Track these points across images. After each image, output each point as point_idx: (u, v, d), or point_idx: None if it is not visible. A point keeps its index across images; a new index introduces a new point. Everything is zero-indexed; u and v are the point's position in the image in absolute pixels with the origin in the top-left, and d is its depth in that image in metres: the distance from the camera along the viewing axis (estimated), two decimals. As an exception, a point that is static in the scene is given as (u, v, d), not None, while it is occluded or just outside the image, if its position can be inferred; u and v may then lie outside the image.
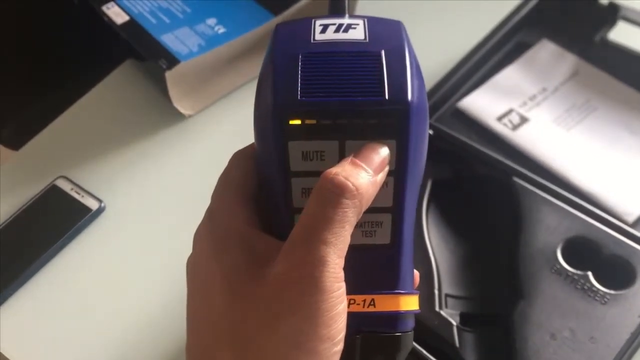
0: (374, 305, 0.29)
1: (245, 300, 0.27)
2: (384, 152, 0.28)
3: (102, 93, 0.69)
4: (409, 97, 0.27)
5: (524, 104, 0.61)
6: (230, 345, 0.26)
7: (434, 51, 0.64)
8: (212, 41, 0.64)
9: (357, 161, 0.27)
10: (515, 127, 0.59)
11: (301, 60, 0.28)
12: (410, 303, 0.30)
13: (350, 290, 0.27)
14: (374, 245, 0.29)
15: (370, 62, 0.28)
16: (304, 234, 0.26)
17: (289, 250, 0.26)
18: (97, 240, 0.58)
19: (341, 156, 0.28)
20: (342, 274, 0.26)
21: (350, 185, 0.26)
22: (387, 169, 0.28)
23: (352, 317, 0.28)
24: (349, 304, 0.28)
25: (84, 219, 0.58)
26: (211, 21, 0.67)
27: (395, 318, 0.30)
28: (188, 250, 0.31)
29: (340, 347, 0.26)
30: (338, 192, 0.26)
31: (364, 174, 0.27)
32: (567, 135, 0.58)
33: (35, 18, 0.75)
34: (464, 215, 0.54)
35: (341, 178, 0.26)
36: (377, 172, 0.27)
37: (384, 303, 0.29)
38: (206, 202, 0.31)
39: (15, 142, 0.70)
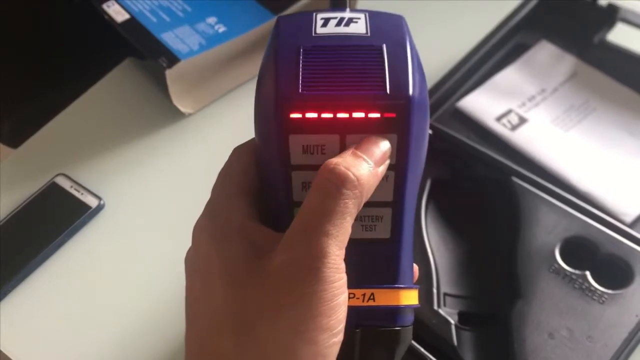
0: (373, 299, 0.29)
1: (246, 291, 0.27)
2: (384, 145, 0.28)
3: (102, 91, 0.69)
4: (411, 91, 0.27)
5: (523, 104, 0.61)
6: (231, 332, 0.26)
7: (433, 51, 0.64)
8: (213, 40, 0.64)
9: (359, 152, 0.27)
10: (514, 128, 0.59)
11: (302, 54, 0.28)
12: (409, 297, 0.30)
13: (349, 284, 0.27)
14: (374, 239, 0.29)
15: (372, 56, 0.28)
16: (305, 225, 0.26)
17: (289, 241, 0.26)
18: (96, 237, 0.59)
19: (342, 150, 0.28)
20: (343, 266, 0.26)
21: (351, 175, 0.26)
22: (387, 162, 0.28)
23: (351, 311, 0.28)
24: (349, 298, 0.28)
25: (83, 216, 0.59)
26: (211, 20, 0.67)
27: (395, 312, 0.30)
28: (187, 247, 0.31)
29: (339, 338, 0.26)
30: (339, 183, 0.26)
31: (365, 165, 0.27)
32: (565, 135, 0.58)
33: (35, 16, 0.75)
34: (462, 214, 0.54)
35: (342, 168, 0.26)
36: (378, 164, 0.27)
37: (383, 297, 0.29)
38: (205, 199, 0.31)
39: (14, 140, 0.70)
